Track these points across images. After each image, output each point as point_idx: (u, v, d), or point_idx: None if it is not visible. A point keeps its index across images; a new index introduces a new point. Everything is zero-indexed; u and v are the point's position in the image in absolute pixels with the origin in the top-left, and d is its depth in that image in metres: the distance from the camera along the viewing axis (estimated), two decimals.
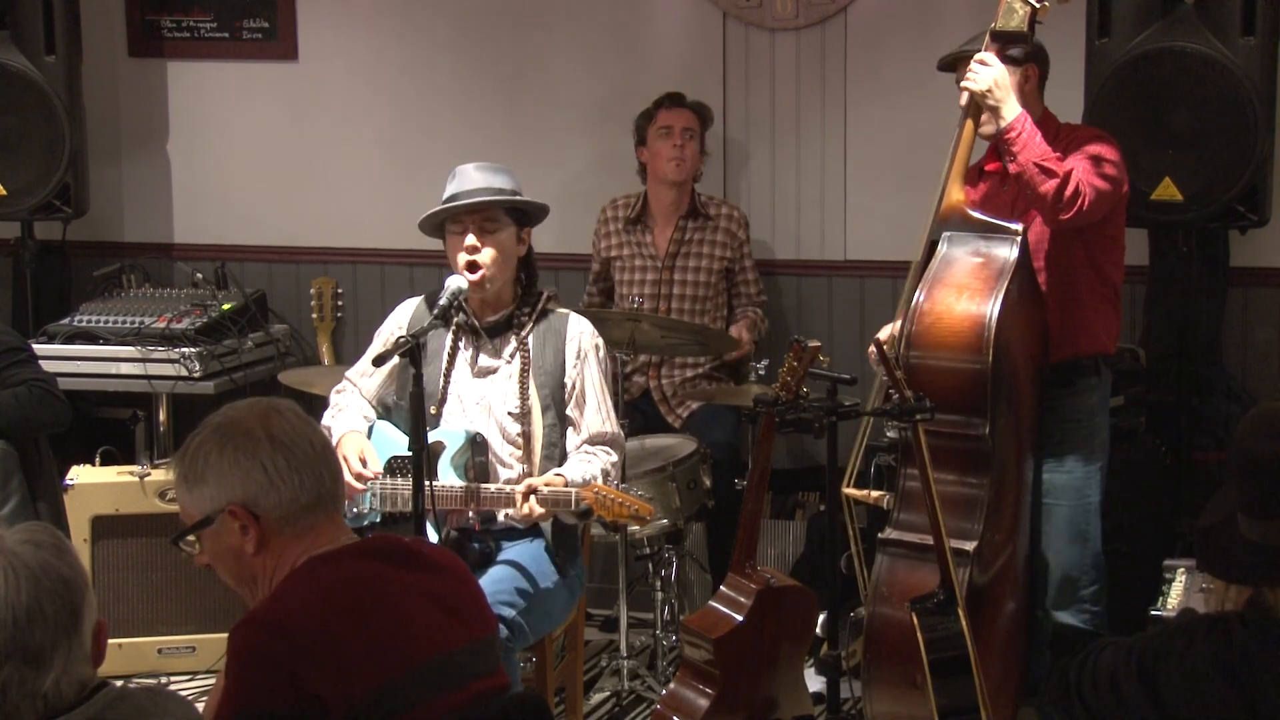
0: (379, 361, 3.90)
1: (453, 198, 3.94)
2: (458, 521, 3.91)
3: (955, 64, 4.17)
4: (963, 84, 3.99)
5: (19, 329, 5.17)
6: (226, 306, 5.61)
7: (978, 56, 3.99)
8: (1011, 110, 3.93)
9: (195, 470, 2.44)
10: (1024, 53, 4.12)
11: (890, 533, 3.97)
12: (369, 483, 3.85)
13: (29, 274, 5.89)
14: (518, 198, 3.96)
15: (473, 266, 3.92)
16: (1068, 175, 3.87)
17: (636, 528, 4.59)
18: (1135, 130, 4.58)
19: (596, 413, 3.97)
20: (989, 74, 3.94)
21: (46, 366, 4.72)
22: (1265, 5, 4.52)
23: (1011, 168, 3.96)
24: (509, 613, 3.71)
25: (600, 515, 3.75)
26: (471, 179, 3.95)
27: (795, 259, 5.54)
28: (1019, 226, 3.98)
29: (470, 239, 3.91)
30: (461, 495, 3.83)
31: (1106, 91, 4.65)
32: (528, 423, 3.95)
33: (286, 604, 2.37)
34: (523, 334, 3.99)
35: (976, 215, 4.01)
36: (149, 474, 4.99)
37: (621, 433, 4.07)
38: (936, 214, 4.05)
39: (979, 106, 4.00)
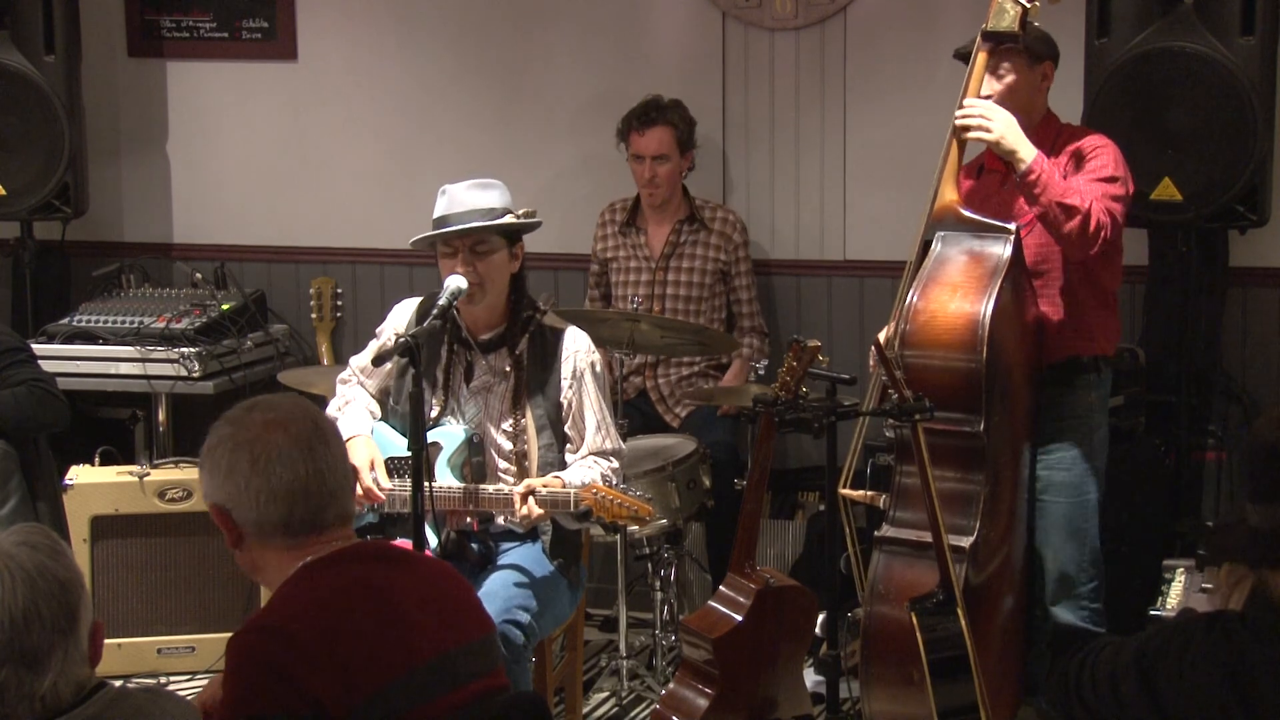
0: (378, 361, 3.90)
1: (443, 219, 3.89)
2: (457, 523, 3.91)
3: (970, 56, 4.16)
4: (973, 135, 3.97)
5: (19, 329, 5.17)
6: (226, 306, 5.61)
7: (977, 105, 3.96)
8: (1028, 151, 3.92)
9: (202, 458, 2.49)
10: (1045, 49, 4.12)
11: (887, 530, 3.97)
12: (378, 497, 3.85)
13: (28, 274, 5.89)
14: (507, 219, 3.90)
15: (471, 288, 3.90)
16: (1088, 211, 3.89)
17: (636, 527, 4.59)
18: (1135, 130, 4.57)
19: (597, 432, 3.95)
20: (1000, 121, 3.93)
21: (46, 366, 4.72)
22: (1265, 5, 4.52)
23: (1034, 210, 3.97)
24: (524, 617, 3.72)
25: (600, 516, 3.74)
26: (460, 200, 3.88)
27: (794, 259, 5.53)
28: (1012, 225, 3.99)
29: (462, 264, 3.86)
30: (460, 496, 3.83)
31: (1106, 91, 4.65)
32: (522, 441, 3.95)
33: (286, 610, 2.38)
34: (516, 350, 3.98)
35: (969, 215, 4.02)
36: (148, 474, 4.99)
37: (624, 448, 4.04)
38: (930, 214, 4.06)
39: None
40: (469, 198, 3.89)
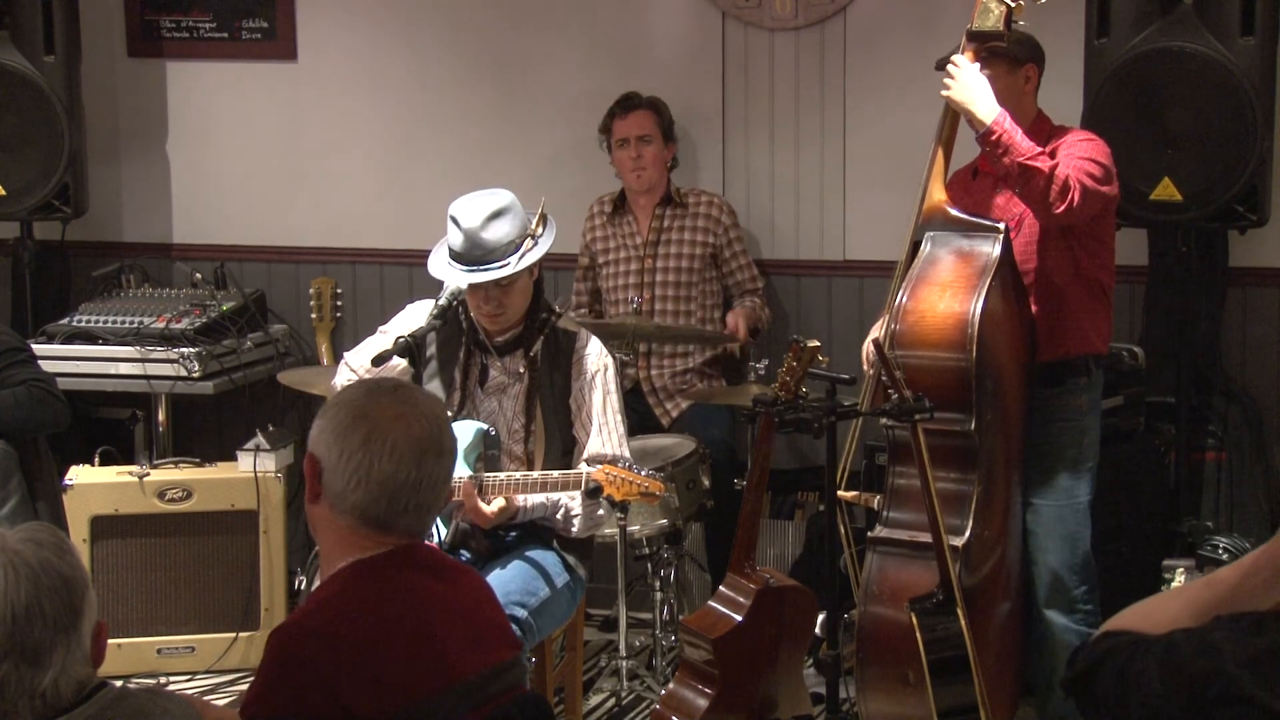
0: (378, 361, 3.91)
1: (463, 256, 3.88)
2: (466, 516, 3.93)
3: None
4: (941, 92, 4.00)
5: (18, 329, 5.17)
6: (226, 307, 5.60)
7: (952, 58, 3.99)
8: (989, 111, 3.92)
9: (325, 407, 2.47)
10: (1025, 52, 4.12)
11: (880, 531, 3.97)
12: None
13: (28, 274, 5.89)
14: (529, 251, 3.90)
15: (488, 315, 3.96)
16: (1054, 169, 3.88)
17: (637, 527, 4.59)
18: (1134, 130, 4.58)
19: (606, 435, 3.97)
20: (961, 79, 3.94)
21: (46, 366, 4.73)
22: (1264, 5, 4.52)
23: (997, 169, 3.96)
24: (521, 613, 3.74)
25: (610, 494, 3.75)
26: (479, 241, 3.86)
27: (794, 259, 5.53)
28: (1001, 224, 3.99)
29: (490, 302, 3.91)
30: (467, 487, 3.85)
31: (1105, 91, 4.65)
32: (533, 442, 3.96)
33: (332, 613, 2.36)
34: (532, 352, 3.99)
35: (958, 214, 4.03)
36: (148, 474, 4.99)
37: (628, 456, 4.03)
38: (919, 215, 4.07)
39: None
40: (485, 235, 3.87)
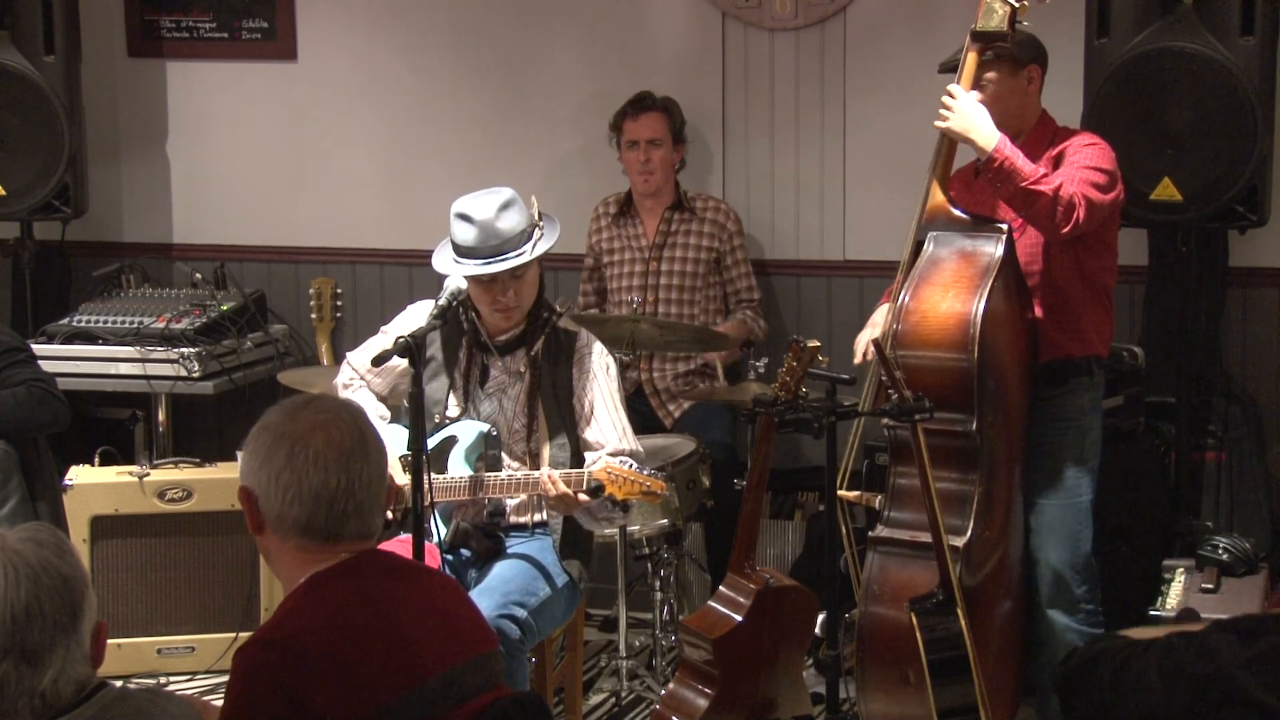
0: (378, 361, 3.91)
1: (474, 250, 3.89)
2: (465, 515, 3.93)
3: (957, 68, 4.16)
4: (935, 123, 3.99)
5: (18, 329, 5.17)
6: (225, 307, 5.61)
7: (948, 88, 3.98)
8: (989, 138, 3.90)
9: (246, 439, 2.46)
10: (1028, 53, 4.11)
11: (881, 531, 3.97)
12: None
13: (28, 274, 5.89)
14: (539, 240, 3.94)
15: (504, 308, 3.97)
16: (1057, 191, 3.86)
17: (637, 527, 4.59)
18: (1135, 130, 4.58)
19: (613, 429, 3.97)
20: (959, 109, 3.94)
21: (46, 366, 4.72)
22: (1264, 5, 4.52)
23: (1000, 194, 3.96)
24: (521, 613, 3.73)
25: (612, 493, 3.75)
26: (493, 230, 3.89)
27: (794, 259, 5.54)
28: (1005, 224, 3.98)
29: (500, 293, 3.93)
30: (467, 485, 3.85)
31: (1106, 92, 4.65)
32: (535, 441, 3.97)
33: (294, 624, 2.34)
34: (533, 351, 4.00)
35: (961, 214, 4.02)
36: (148, 474, 4.99)
37: (641, 450, 4.05)
38: (921, 215, 4.06)
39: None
40: (500, 225, 3.90)
